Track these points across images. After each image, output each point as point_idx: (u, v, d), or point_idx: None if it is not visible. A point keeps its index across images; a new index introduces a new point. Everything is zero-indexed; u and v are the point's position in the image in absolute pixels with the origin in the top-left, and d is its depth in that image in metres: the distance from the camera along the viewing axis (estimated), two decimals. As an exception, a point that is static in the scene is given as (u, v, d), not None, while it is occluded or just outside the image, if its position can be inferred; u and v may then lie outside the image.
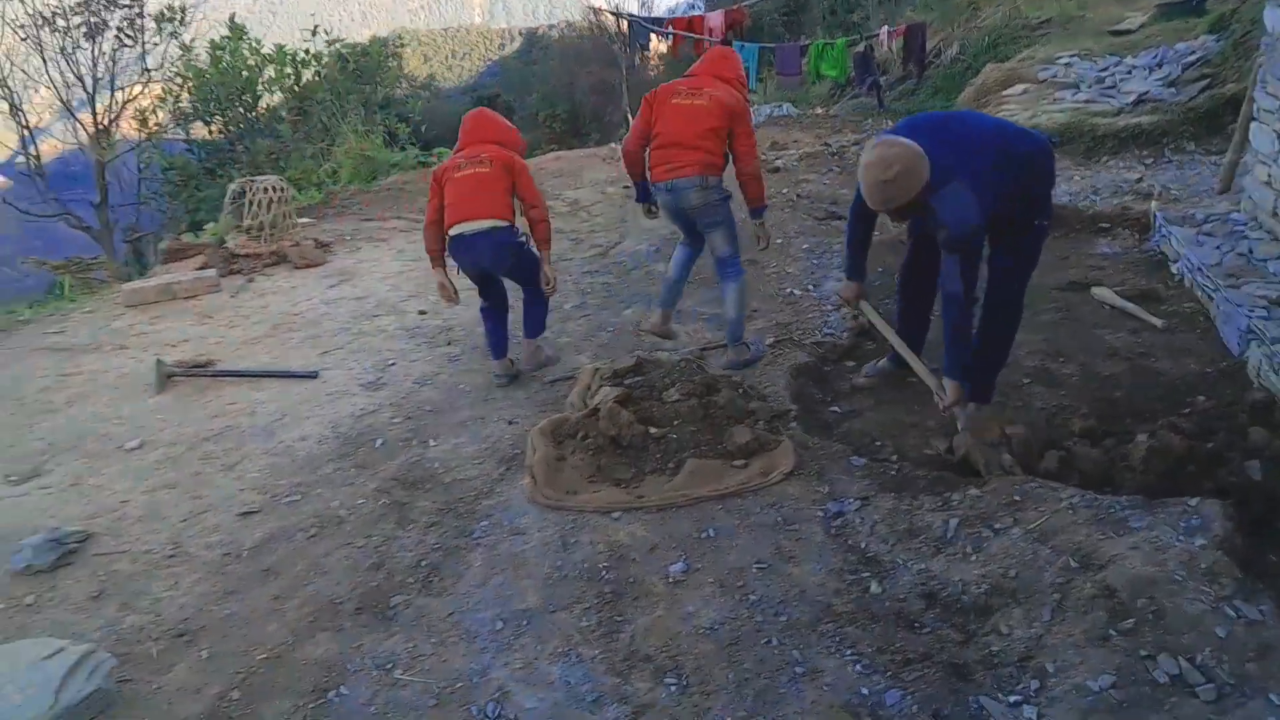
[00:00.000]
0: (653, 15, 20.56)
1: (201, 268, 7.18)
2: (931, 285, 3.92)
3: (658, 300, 4.88)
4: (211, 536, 3.51)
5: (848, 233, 4.00)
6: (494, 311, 4.66)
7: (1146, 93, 8.62)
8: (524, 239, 4.57)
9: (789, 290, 5.60)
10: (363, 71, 16.38)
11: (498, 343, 4.63)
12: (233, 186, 7.72)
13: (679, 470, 3.51)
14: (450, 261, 4.53)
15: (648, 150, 4.46)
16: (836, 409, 4.19)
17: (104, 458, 4.22)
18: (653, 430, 3.75)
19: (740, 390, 4.06)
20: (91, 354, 5.56)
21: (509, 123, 4.82)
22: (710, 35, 14.16)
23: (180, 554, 3.40)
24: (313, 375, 4.92)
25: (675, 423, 3.78)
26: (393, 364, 5.05)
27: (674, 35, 14.45)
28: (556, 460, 3.66)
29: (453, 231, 4.36)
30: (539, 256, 4.58)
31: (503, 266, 4.51)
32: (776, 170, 8.85)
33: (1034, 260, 3.68)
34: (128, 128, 16.60)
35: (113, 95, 16.14)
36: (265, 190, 7.44)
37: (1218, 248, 4.96)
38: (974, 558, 2.85)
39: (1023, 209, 3.51)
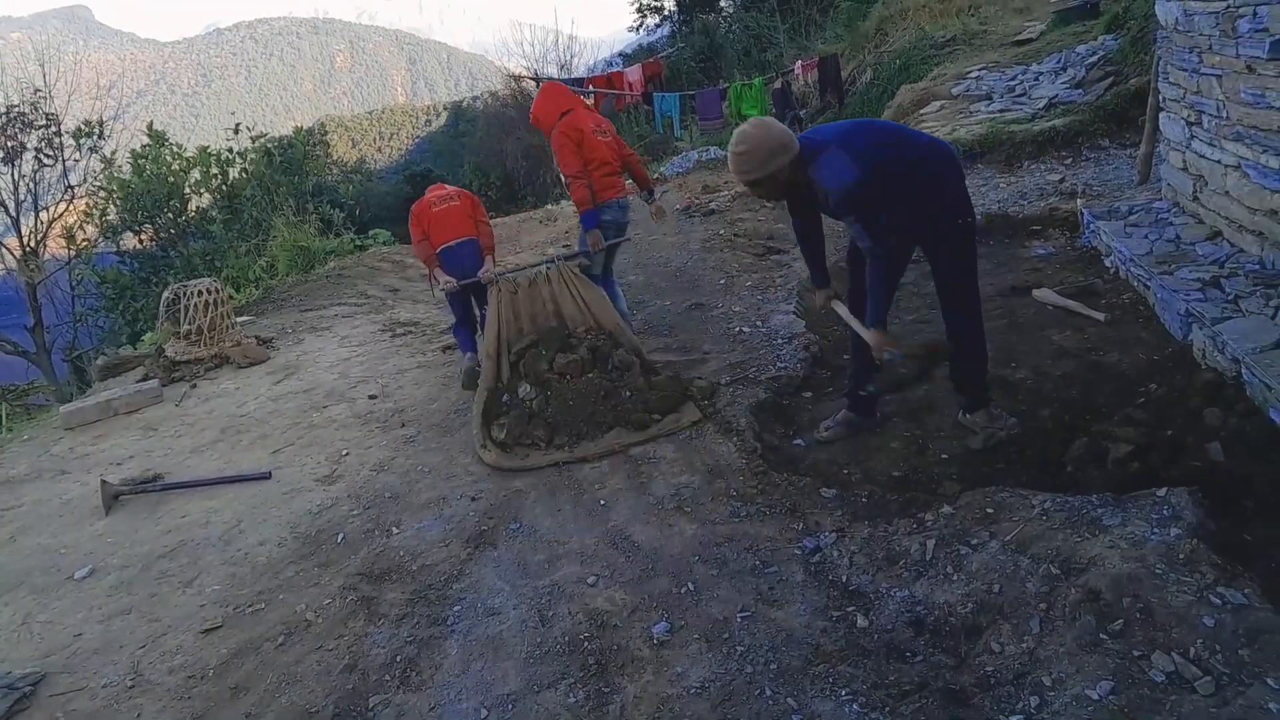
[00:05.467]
0: (573, 76, 20.84)
1: (142, 379, 7.00)
2: None
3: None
4: (174, 660, 3.33)
5: (801, 248, 4.01)
6: (465, 328, 5.78)
7: (1056, 96, 8.90)
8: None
9: (738, 329, 5.61)
10: (290, 163, 16.32)
11: (468, 344, 5.68)
12: (166, 294, 7.56)
13: (607, 433, 4.33)
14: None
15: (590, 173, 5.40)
16: (800, 441, 4.16)
17: (53, 591, 4.03)
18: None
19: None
20: (32, 483, 5.34)
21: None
22: (630, 89, 14.40)
23: (141, 683, 3.22)
24: (265, 476, 4.77)
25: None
26: (347, 454, 4.92)
27: (595, 93, 14.64)
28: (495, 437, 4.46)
29: (442, 247, 5.60)
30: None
31: (476, 266, 5.60)
32: (711, 213, 8.93)
33: (972, 260, 3.68)
34: (56, 246, 16.34)
35: (36, 216, 15.91)
36: (199, 293, 7.29)
37: (1146, 236, 5.08)
38: (956, 577, 2.81)
39: (934, 198, 3.49)
